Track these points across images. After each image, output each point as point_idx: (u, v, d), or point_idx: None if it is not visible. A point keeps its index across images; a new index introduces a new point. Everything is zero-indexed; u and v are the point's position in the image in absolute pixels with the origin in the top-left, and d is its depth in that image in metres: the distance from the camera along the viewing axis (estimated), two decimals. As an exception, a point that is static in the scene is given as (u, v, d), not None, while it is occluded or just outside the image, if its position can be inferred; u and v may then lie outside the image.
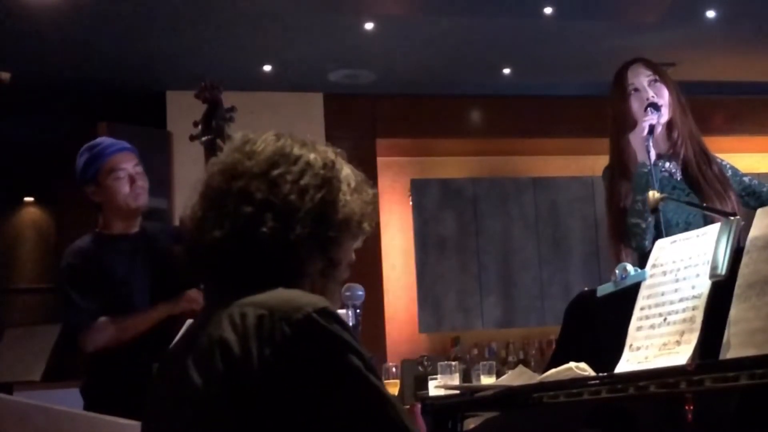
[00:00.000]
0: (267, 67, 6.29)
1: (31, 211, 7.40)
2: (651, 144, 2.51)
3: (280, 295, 1.22)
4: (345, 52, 6.14)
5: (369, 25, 5.71)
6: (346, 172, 1.39)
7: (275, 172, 1.30)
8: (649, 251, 2.47)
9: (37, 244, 7.28)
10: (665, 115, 2.62)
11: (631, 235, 2.56)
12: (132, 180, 2.91)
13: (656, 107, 2.58)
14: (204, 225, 1.30)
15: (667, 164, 2.65)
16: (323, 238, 1.30)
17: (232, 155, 1.34)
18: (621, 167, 2.65)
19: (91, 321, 2.77)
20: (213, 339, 1.20)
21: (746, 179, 2.72)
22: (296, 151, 1.34)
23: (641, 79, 2.65)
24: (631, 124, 2.63)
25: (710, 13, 5.72)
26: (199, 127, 2.91)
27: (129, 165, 2.92)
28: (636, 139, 2.58)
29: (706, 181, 2.61)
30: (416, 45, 6.06)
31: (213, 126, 2.88)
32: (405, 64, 6.42)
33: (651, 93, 2.62)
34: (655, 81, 2.65)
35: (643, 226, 2.52)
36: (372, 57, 6.25)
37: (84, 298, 2.80)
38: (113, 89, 6.34)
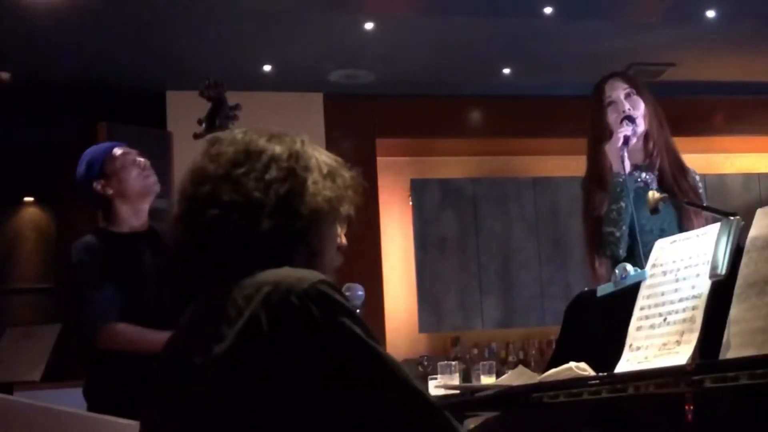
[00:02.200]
0: (267, 67, 6.29)
1: (31, 211, 7.40)
2: (626, 154, 2.57)
3: (279, 272, 1.23)
4: (345, 52, 6.14)
5: (369, 25, 5.71)
6: (319, 159, 1.37)
7: (238, 171, 1.30)
8: (623, 259, 2.52)
9: (37, 244, 7.29)
10: (641, 126, 2.69)
11: (605, 243, 2.62)
12: (142, 164, 2.93)
13: (631, 119, 2.65)
14: (178, 231, 1.32)
15: (644, 174, 2.71)
16: (295, 229, 1.30)
17: (200, 160, 1.35)
18: (596, 177, 2.71)
19: (105, 318, 2.75)
20: (219, 321, 1.21)
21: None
22: (260, 145, 1.34)
23: (618, 92, 2.71)
24: (608, 135, 2.69)
25: (710, 13, 5.72)
26: (203, 125, 2.93)
27: (132, 153, 2.95)
28: (611, 149, 2.63)
29: (681, 191, 2.67)
30: (416, 45, 6.06)
31: (217, 124, 2.90)
32: (405, 64, 6.42)
33: (627, 106, 2.69)
34: (631, 94, 2.71)
35: (617, 234, 2.58)
36: (372, 57, 6.25)
37: (97, 294, 2.78)
38: (113, 89, 6.34)
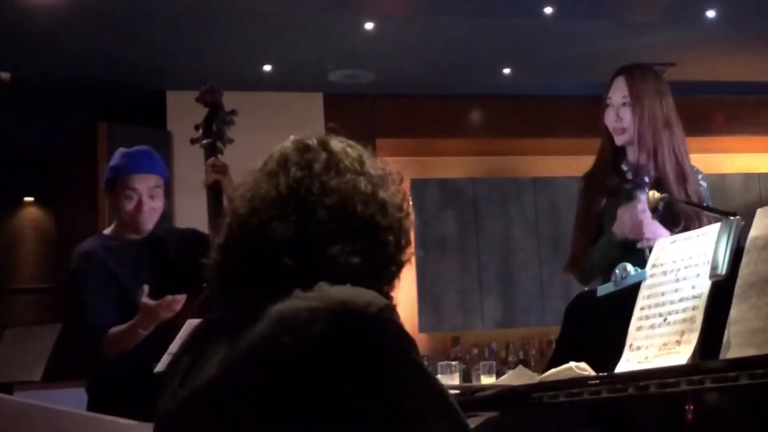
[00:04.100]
0: (267, 67, 6.29)
1: (31, 211, 7.40)
2: (647, 221, 2.44)
3: (345, 290, 1.22)
4: (345, 52, 6.14)
5: (369, 25, 5.71)
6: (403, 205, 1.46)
7: (383, 195, 1.38)
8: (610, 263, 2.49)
9: (37, 244, 7.28)
10: (625, 138, 2.63)
11: (586, 267, 2.62)
12: (140, 203, 2.87)
13: (641, 186, 2.47)
14: (328, 245, 1.29)
15: (639, 177, 2.65)
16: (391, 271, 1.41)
17: (351, 176, 1.39)
18: (598, 175, 2.69)
19: (107, 325, 2.76)
20: (282, 328, 1.18)
21: None
22: (388, 167, 1.44)
23: (617, 96, 2.66)
24: (605, 135, 2.69)
25: (710, 13, 5.72)
26: (200, 130, 2.94)
27: (143, 187, 2.87)
28: (633, 217, 2.47)
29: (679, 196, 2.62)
30: (416, 45, 6.06)
31: (213, 129, 2.92)
32: (405, 64, 6.42)
33: (614, 116, 2.64)
34: (624, 104, 2.63)
35: (593, 274, 2.59)
36: (372, 57, 6.24)
37: (98, 302, 2.80)
38: (113, 89, 6.34)
